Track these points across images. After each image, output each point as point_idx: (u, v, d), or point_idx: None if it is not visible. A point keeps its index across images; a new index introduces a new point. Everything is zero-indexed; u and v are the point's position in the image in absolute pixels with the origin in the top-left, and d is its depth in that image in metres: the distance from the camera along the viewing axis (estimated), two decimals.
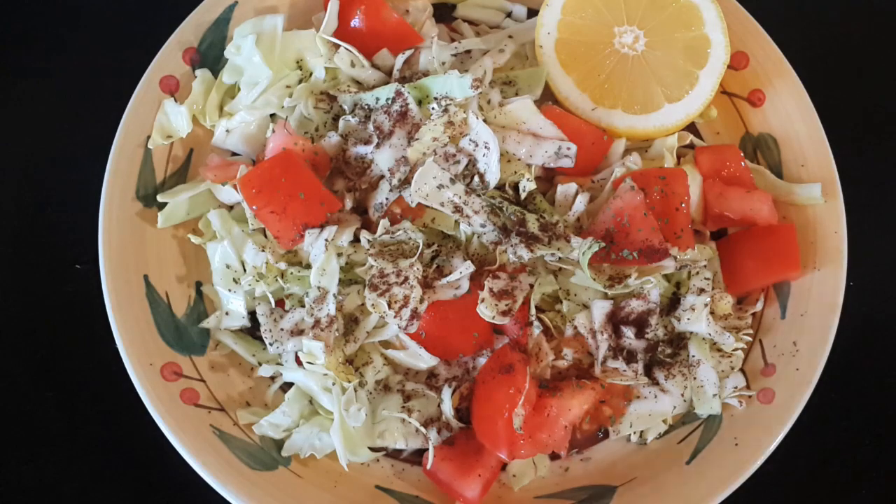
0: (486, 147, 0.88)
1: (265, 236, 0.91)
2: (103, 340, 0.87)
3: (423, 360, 0.88)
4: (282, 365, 0.89)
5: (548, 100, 0.97)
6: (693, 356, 0.89)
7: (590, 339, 0.89)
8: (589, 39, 0.96)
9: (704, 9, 0.94)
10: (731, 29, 0.95)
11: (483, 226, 0.88)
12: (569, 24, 0.96)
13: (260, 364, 0.90)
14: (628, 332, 0.89)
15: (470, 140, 0.89)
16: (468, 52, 0.99)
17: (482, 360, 0.89)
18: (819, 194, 0.95)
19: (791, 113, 0.99)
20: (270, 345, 0.89)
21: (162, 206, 0.92)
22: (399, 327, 0.87)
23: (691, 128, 0.99)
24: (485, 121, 0.89)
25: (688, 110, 0.95)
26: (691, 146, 0.98)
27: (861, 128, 1.08)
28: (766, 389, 0.89)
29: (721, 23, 0.94)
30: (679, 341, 0.91)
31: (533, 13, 1.04)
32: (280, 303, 0.91)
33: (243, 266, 0.91)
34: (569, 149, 0.91)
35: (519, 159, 0.90)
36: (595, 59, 0.96)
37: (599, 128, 0.95)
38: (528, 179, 0.89)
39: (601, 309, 0.89)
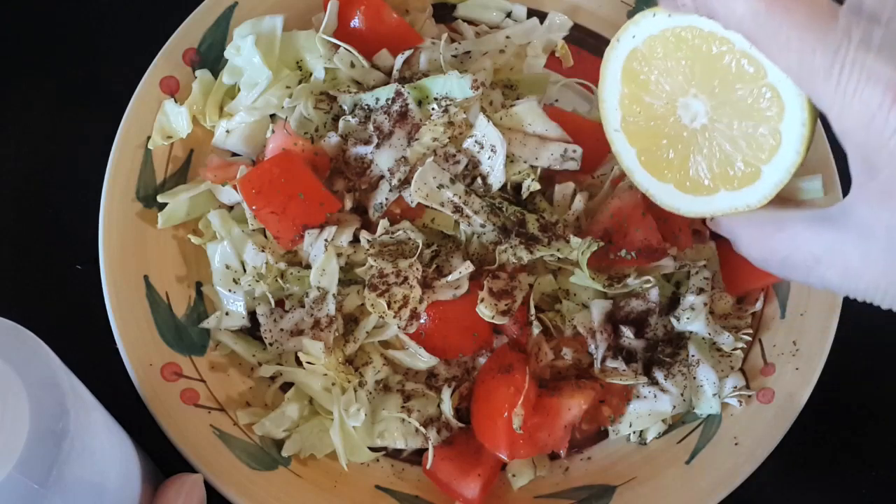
0: (492, 150, 0.88)
1: (265, 236, 0.91)
2: (103, 340, 0.87)
3: (423, 359, 0.88)
4: (282, 365, 0.89)
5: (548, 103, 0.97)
6: (693, 356, 0.89)
7: (589, 339, 0.89)
8: (652, 112, 0.77)
9: (789, 106, 0.68)
10: None
11: (483, 226, 0.88)
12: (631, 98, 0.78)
13: (260, 364, 0.90)
14: (627, 332, 0.89)
15: (475, 142, 0.89)
16: (468, 52, 0.99)
17: (482, 360, 0.89)
18: (820, 187, 0.94)
19: None
20: (270, 345, 0.89)
21: (162, 206, 0.92)
22: (399, 327, 0.87)
23: None
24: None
25: (746, 201, 0.74)
26: None
27: None
28: (765, 389, 0.89)
29: (806, 129, 0.68)
30: (679, 341, 0.91)
31: (533, 13, 1.04)
32: (280, 303, 0.91)
33: (243, 266, 0.91)
34: (574, 151, 0.90)
35: (524, 161, 0.90)
36: (657, 130, 0.77)
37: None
38: (532, 180, 0.89)
39: (600, 308, 0.89)
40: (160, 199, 0.92)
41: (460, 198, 0.87)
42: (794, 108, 0.67)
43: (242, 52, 0.95)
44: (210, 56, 0.97)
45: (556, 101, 1.01)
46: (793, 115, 0.67)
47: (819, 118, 0.68)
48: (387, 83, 0.94)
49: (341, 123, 0.93)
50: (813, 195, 0.94)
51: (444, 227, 0.90)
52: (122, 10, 1.08)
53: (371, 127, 0.91)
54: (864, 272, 0.59)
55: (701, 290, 0.90)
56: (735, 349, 0.91)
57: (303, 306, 0.89)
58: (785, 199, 0.86)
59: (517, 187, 0.91)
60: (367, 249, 0.87)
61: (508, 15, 1.05)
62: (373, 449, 0.88)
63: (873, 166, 0.56)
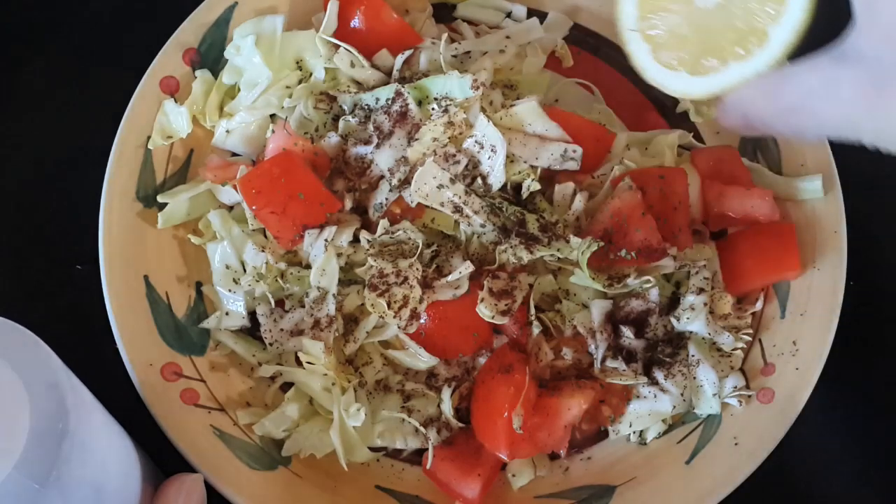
0: (492, 150, 0.88)
1: (265, 236, 0.91)
2: (103, 340, 0.87)
3: (423, 360, 0.88)
4: (282, 365, 0.89)
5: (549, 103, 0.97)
6: (693, 356, 0.89)
7: (589, 339, 0.89)
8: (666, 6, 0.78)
9: None
10: None
11: (483, 226, 0.88)
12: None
13: (260, 364, 0.90)
14: (627, 332, 0.89)
15: (475, 142, 0.89)
16: (468, 52, 0.99)
17: (482, 360, 0.89)
18: (820, 187, 0.95)
19: None
20: (270, 345, 0.89)
21: (162, 206, 0.92)
22: (399, 327, 0.87)
23: (691, 127, 0.99)
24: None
25: (755, 68, 0.74)
26: (688, 147, 0.98)
27: None
28: (765, 389, 0.89)
29: None
30: (679, 341, 0.91)
31: (532, 13, 1.04)
32: (280, 303, 0.91)
33: (243, 266, 0.91)
34: (574, 151, 0.90)
35: (524, 161, 0.90)
36: (672, 22, 0.78)
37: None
38: (532, 180, 0.89)
39: (600, 308, 0.89)
40: (160, 199, 0.92)
41: (460, 198, 0.87)
42: None
43: (242, 52, 0.95)
44: (210, 56, 0.97)
45: (556, 101, 1.01)
46: None
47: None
48: (387, 83, 0.94)
49: (341, 123, 0.93)
50: (813, 195, 0.95)
51: (444, 227, 0.90)
52: (123, 10, 1.08)
53: (371, 127, 0.91)
54: (853, 101, 0.60)
55: (701, 290, 0.90)
56: (735, 349, 0.91)
57: (303, 306, 0.89)
58: (784, 201, 0.86)
59: (517, 187, 0.91)
60: (367, 249, 0.87)
61: (508, 15, 1.05)
62: (373, 449, 0.88)
63: (875, 8, 0.58)
